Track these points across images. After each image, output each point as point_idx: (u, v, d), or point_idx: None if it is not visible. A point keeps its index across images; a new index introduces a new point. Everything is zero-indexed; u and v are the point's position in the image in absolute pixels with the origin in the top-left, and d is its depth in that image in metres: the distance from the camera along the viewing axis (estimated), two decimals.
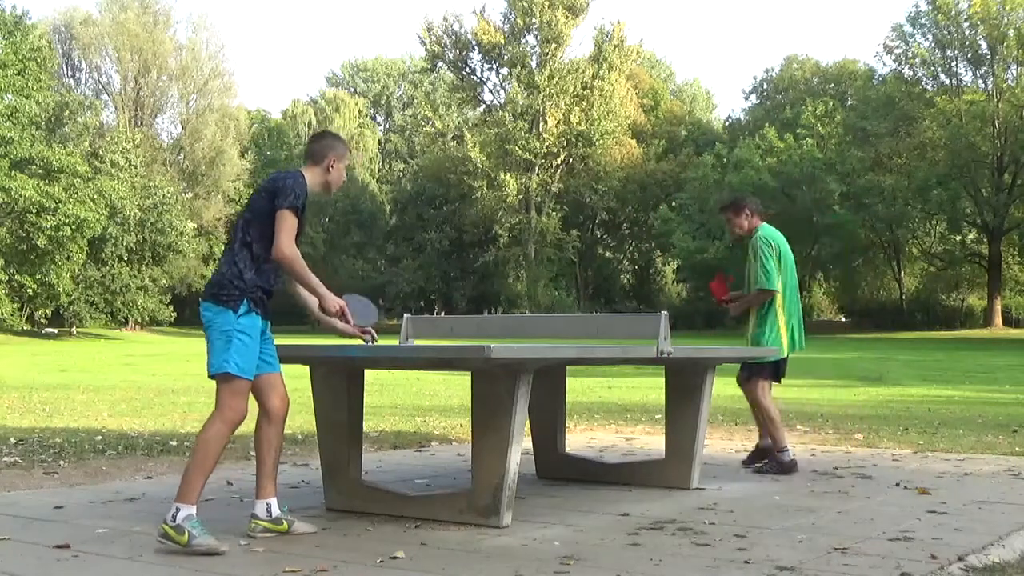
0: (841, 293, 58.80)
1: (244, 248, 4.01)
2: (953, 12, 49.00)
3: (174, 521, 3.79)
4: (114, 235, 47.78)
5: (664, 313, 4.95)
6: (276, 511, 4.13)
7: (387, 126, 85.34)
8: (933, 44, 50.70)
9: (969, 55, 49.63)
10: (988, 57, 48.75)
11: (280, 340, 4.42)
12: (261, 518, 4.11)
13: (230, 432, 3.95)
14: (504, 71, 61.82)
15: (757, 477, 6.02)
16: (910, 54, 51.09)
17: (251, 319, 3.99)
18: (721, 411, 10.27)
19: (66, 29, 60.57)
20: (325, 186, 4.21)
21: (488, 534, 4.22)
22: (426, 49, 63.30)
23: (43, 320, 49.09)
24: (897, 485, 5.67)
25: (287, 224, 3.96)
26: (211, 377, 3.97)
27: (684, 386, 5.68)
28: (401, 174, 75.51)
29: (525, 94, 58.82)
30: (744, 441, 8.01)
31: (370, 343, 4.40)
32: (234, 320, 3.94)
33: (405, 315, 5.90)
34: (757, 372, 6.38)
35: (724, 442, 7.92)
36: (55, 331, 47.95)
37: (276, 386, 4.13)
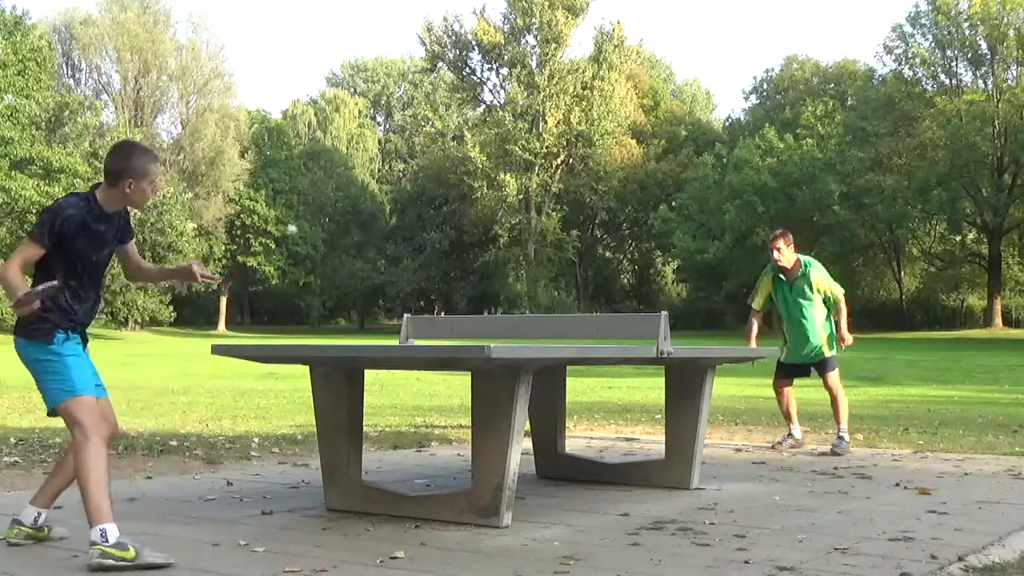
0: None
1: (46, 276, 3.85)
2: (953, 12, 48.98)
3: (107, 540, 3.59)
4: None
5: (664, 313, 4.95)
6: (41, 521, 3.97)
7: (387, 126, 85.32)
8: (933, 44, 50.68)
9: (969, 55, 49.61)
10: (988, 57, 48.73)
11: (280, 340, 4.41)
12: (27, 524, 3.94)
13: (106, 442, 3.81)
14: (504, 71, 61.82)
15: (757, 477, 6.01)
16: (910, 54, 51.06)
17: (72, 344, 3.86)
18: (721, 411, 10.28)
19: (66, 29, 60.51)
20: (127, 203, 3.98)
21: (488, 534, 4.22)
22: (426, 49, 63.30)
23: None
24: (897, 485, 5.67)
25: (23, 251, 3.84)
26: (54, 410, 3.81)
27: (684, 386, 5.68)
28: (401, 174, 75.48)
29: (525, 94, 58.81)
30: (744, 441, 8.02)
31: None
32: (58, 347, 3.80)
33: (405, 315, 5.90)
34: (833, 365, 7.37)
35: (724, 442, 7.92)
36: None
37: (104, 411, 3.96)
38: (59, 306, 3.85)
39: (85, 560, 3.67)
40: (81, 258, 3.90)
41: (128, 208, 4.06)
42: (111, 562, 3.56)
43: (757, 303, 7.58)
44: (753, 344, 7.40)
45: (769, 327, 7.83)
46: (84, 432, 3.75)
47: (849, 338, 7.44)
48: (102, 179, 3.97)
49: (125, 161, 3.93)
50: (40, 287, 3.78)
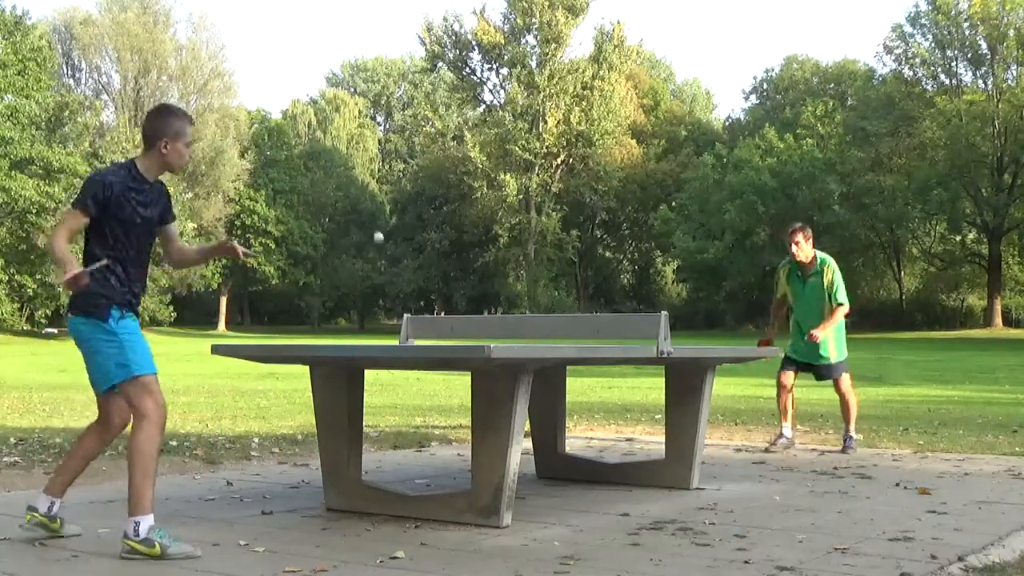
0: None
1: (88, 257, 3.91)
2: (953, 12, 48.99)
3: (138, 535, 3.68)
4: None
5: (664, 313, 4.95)
6: (55, 510, 3.98)
7: (387, 126, 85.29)
8: (933, 44, 50.69)
9: (969, 55, 49.62)
10: (988, 57, 48.73)
11: (280, 340, 4.41)
12: (40, 512, 3.95)
13: (162, 431, 3.82)
14: (504, 71, 61.80)
15: (757, 477, 6.01)
16: (910, 54, 51.08)
17: (128, 321, 3.87)
18: (721, 411, 10.28)
19: (66, 29, 60.48)
20: (165, 167, 4.03)
21: (488, 534, 4.22)
22: (426, 49, 63.29)
23: (43, 320, 49.05)
24: (897, 485, 5.67)
25: (67, 221, 3.88)
26: (112, 388, 3.83)
27: (684, 386, 5.68)
28: (401, 174, 75.47)
29: (525, 94, 58.80)
30: (744, 441, 8.02)
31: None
32: (115, 325, 3.82)
33: (405, 315, 5.90)
34: (842, 370, 7.35)
35: (724, 442, 7.92)
36: (55, 331, 47.93)
37: (123, 405, 3.94)
38: (111, 281, 3.86)
39: (85, 560, 3.68)
40: (128, 229, 3.91)
41: (167, 189, 4.13)
42: (137, 558, 3.67)
43: (779, 294, 7.54)
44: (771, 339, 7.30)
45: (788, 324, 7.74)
46: (148, 419, 3.77)
47: (819, 334, 7.09)
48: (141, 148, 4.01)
49: (159, 121, 3.98)
50: (91, 267, 3.78)
